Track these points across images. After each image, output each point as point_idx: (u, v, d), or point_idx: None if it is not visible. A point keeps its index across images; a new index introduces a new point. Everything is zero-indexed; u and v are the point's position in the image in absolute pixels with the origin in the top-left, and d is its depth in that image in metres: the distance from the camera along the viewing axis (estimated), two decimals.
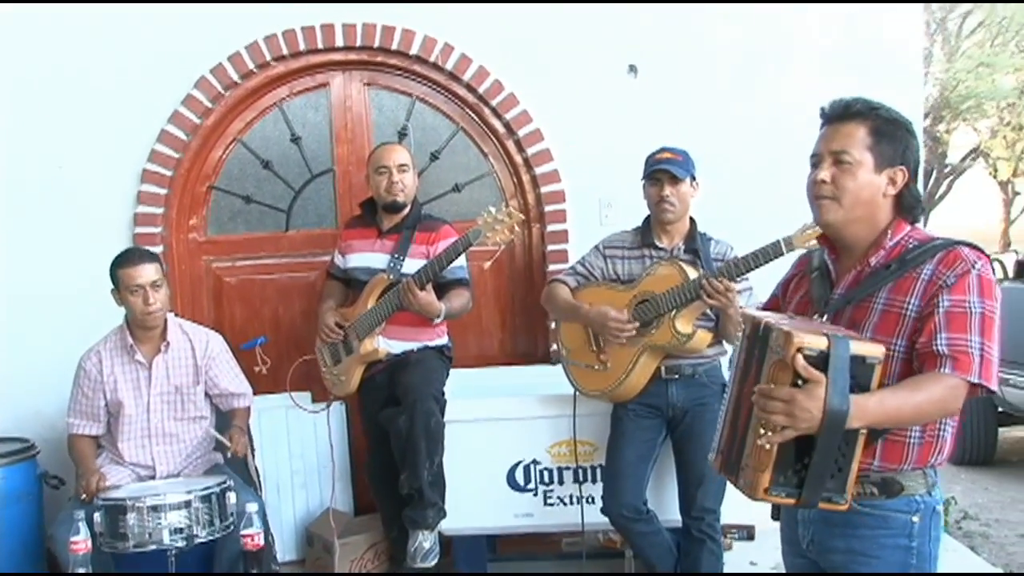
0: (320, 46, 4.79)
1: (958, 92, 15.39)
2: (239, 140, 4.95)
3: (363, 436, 4.52)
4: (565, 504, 4.09)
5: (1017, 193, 18.43)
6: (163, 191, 4.80)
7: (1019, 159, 17.22)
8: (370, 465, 4.39)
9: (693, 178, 3.79)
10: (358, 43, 4.79)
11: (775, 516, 2.49)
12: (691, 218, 3.86)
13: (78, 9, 4.73)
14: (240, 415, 4.07)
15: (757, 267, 3.47)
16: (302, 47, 4.79)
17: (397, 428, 3.95)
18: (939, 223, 15.65)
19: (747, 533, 4.72)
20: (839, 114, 2.26)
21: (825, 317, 2.28)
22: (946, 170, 17.11)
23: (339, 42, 4.79)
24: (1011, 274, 8.32)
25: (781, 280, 2.63)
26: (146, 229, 4.78)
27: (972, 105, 15.71)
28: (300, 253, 4.99)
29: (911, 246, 2.22)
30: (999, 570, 4.57)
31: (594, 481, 4.04)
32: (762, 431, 2.04)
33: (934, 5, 15.32)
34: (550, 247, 4.86)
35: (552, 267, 4.79)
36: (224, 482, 3.57)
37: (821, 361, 1.99)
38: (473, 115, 4.92)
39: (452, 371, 4.31)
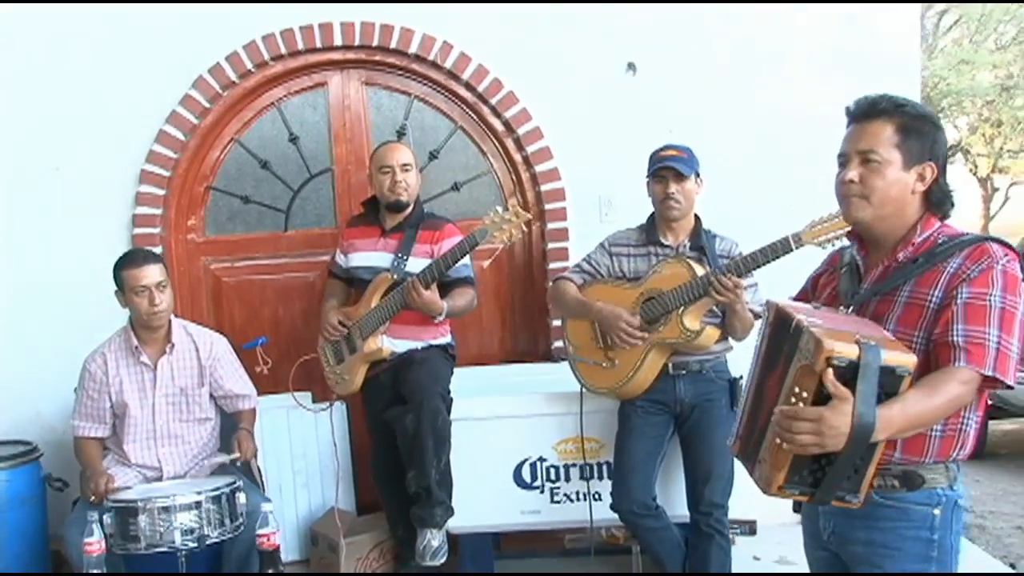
0: (318, 45, 4.79)
1: (938, 89, 15.50)
2: (237, 140, 4.94)
3: (366, 435, 4.51)
4: (572, 501, 4.09)
5: (996, 189, 18.58)
6: (161, 192, 4.78)
7: (998, 155, 17.37)
8: (375, 464, 4.38)
9: (697, 175, 3.80)
10: (356, 42, 4.78)
11: (796, 509, 2.51)
12: (696, 215, 3.88)
13: (76, 9, 4.71)
14: (246, 417, 4.06)
15: (766, 263, 3.49)
16: (300, 46, 4.78)
17: (404, 427, 3.95)
18: None
19: (749, 528, 4.72)
20: (865, 112, 2.26)
21: (851, 309, 2.29)
22: None
23: (337, 41, 4.78)
24: None
25: (811, 275, 2.64)
26: (145, 230, 4.76)
27: (952, 102, 15.84)
28: (299, 253, 4.98)
29: (940, 241, 2.23)
30: (1007, 568, 4.62)
31: (601, 478, 4.05)
32: (781, 441, 2.05)
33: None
34: (550, 245, 4.87)
35: (552, 265, 4.80)
36: (234, 483, 3.55)
37: (850, 370, 1.96)
38: (472, 114, 4.92)
39: (455, 369, 4.30)
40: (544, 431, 4.09)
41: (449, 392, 4.06)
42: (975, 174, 18.22)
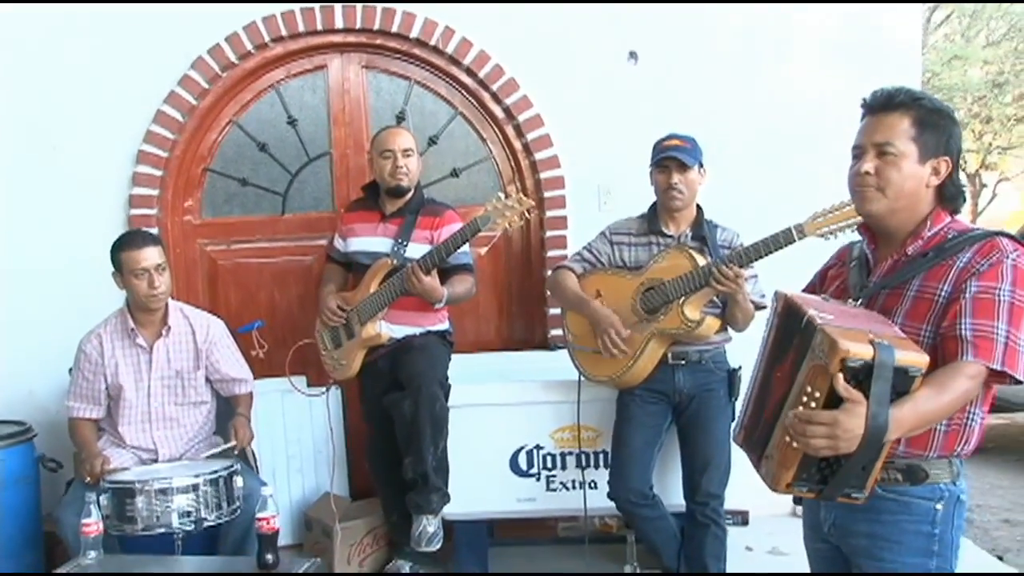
0: (319, 28, 4.75)
1: (929, 85, 15.50)
2: (235, 122, 4.90)
3: (360, 420, 4.50)
4: (568, 489, 4.10)
5: (984, 185, 18.65)
6: (159, 173, 4.75)
7: (987, 152, 17.42)
8: (371, 450, 4.38)
9: (701, 165, 3.79)
10: (357, 25, 4.75)
11: (797, 500, 2.52)
12: (698, 205, 3.87)
13: None
14: (243, 401, 4.05)
15: (768, 254, 3.48)
16: (301, 28, 4.74)
17: (402, 413, 3.94)
18: None
19: (742, 518, 4.76)
20: (882, 105, 2.25)
21: (860, 302, 2.29)
22: None
23: (338, 24, 4.75)
24: None
25: (820, 269, 2.63)
26: (141, 211, 4.73)
27: (943, 98, 15.86)
28: (296, 236, 4.96)
29: (950, 236, 2.22)
30: (994, 560, 4.64)
31: (597, 466, 4.06)
32: (790, 440, 2.04)
33: None
34: (549, 233, 4.86)
35: (551, 253, 4.80)
36: (231, 466, 3.54)
37: (864, 370, 1.95)
38: (472, 100, 4.90)
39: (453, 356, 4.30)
40: (541, 419, 4.10)
41: (447, 379, 4.06)
42: (964, 170, 18.25)
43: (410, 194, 4.19)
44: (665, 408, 3.87)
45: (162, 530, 3.35)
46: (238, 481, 3.52)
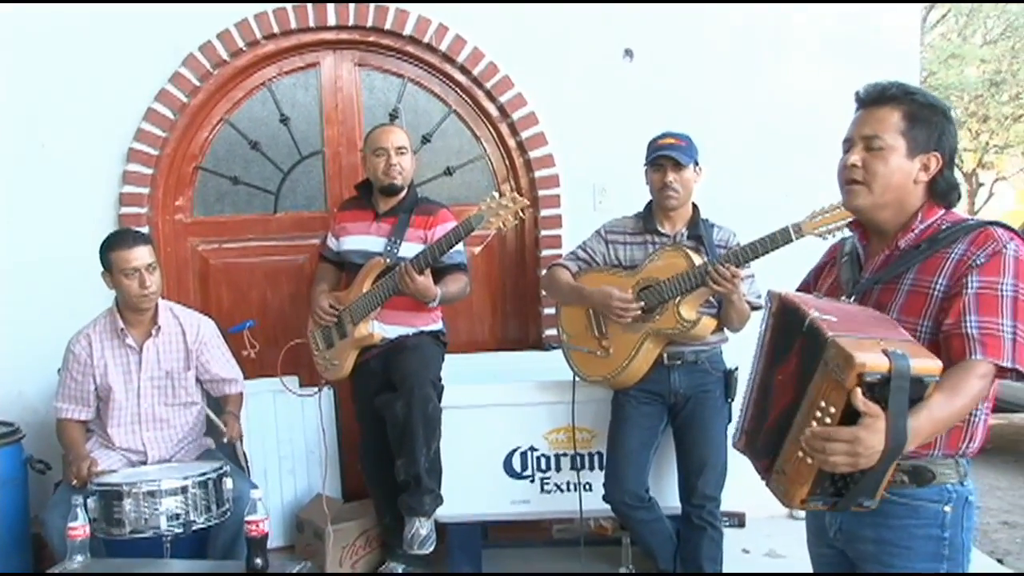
0: (311, 24, 4.70)
1: (926, 84, 15.48)
2: (227, 120, 4.86)
3: (354, 422, 4.44)
4: (562, 491, 4.06)
5: (981, 184, 18.64)
6: (149, 171, 4.70)
7: (984, 151, 17.40)
8: (363, 451, 4.32)
9: (696, 163, 3.75)
10: (350, 22, 4.71)
11: None
12: (694, 204, 3.83)
13: None
14: (233, 401, 4.01)
15: (765, 253, 3.44)
16: (293, 25, 4.69)
17: (394, 414, 3.89)
18: None
19: (738, 520, 4.72)
20: (873, 98, 2.22)
21: (853, 298, 2.25)
22: None
23: (331, 21, 4.70)
24: None
25: (813, 268, 2.59)
26: (131, 209, 4.68)
27: (941, 96, 15.84)
28: (289, 236, 4.91)
29: (943, 227, 2.18)
30: (994, 562, 4.61)
31: (592, 468, 4.02)
32: (804, 455, 1.99)
33: None
34: (543, 232, 4.82)
35: (545, 252, 4.76)
36: (220, 468, 3.49)
37: (879, 386, 1.89)
38: (466, 98, 4.86)
39: (446, 356, 4.25)
40: (535, 420, 4.05)
41: (440, 379, 4.01)
42: (960, 169, 18.23)
43: (403, 193, 4.15)
44: (661, 409, 3.82)
45: (150, 533, 3.30)
46: (227, 483, 3.47)
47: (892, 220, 2.23)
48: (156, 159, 4.70)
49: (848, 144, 2.25)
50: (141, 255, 3.70)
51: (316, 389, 4.41)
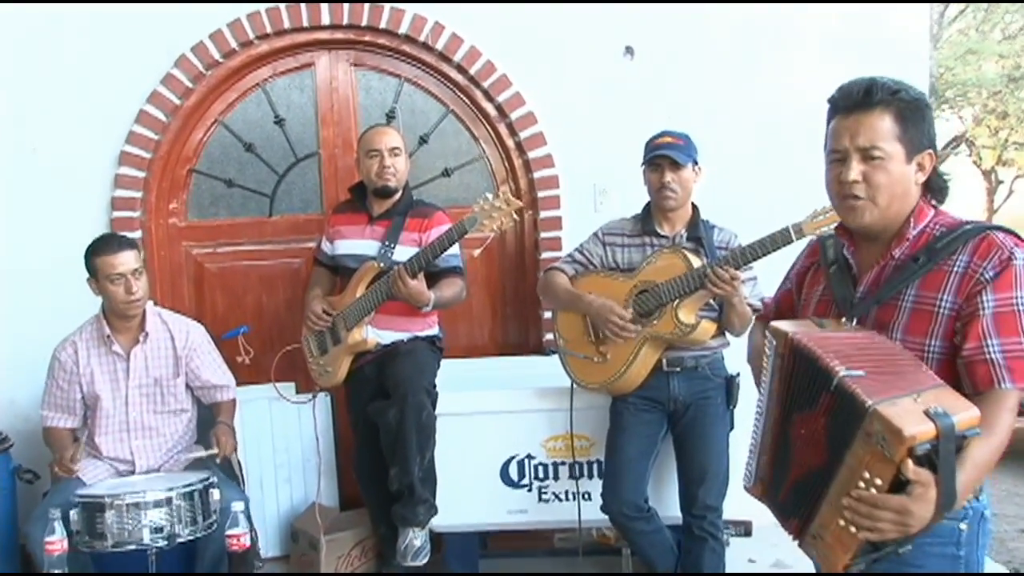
0: (305, 24, 4.62)
1: (943, 80, 15.31)
2: (221, 122, 4.77)
3: (350, 429, 4.36)
4: (561, 500, 3.96)
5: (1000, 182, 18.38)
6: (142, 174, 4.62)
7: (1003, 147, 17.17)
8: (357, 460, 4.23)
9: (695, 163, 3.65)
10: (345, 21, 4.61)
11: None
12: (693, 204, 3.73)
13: None
14: (225, 409, 3.92)
15: (764, 255, 3.33)
16: (286, 25, 4.60)
17: (387, 422, 3.80)
18: None
19: (744, 529, 4.60)
20: (858, 103, 2.05)
21: (855, 322, 2.13)
22: None
23: (325, 20, 4.61)
24: None
25: (792, 271, 2.47)
26: (124, 213, 4.60)
27: (957, 93, 15.65)
28: (284, 239, 4.82)
29: (938, 233, 2.07)
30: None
31: (591, 477, 3.92)
32: (846, 522, 1.89)
33: None
34: (543, 234, 4.71)
35: (545, 255, 4.65)
36: (207, 479, 3.41)
37: (927, 458, 1.80)
38: (464, 97, 4.76)
39: (443, 362, 4.15)
40: (533, 427, 3.95)
41: (435, 386, 3.91)
42: (979, 166, 18.03)
43: (398, 195, 4.06)
44: (660, 416, 3.72)
45: (133, 546, 3.22)
46: (214, 494, 3.39)
47: (888, 227, 2.12)
48: (149, 162, 4.62)
49: (837, 156, 2.09)
50: (126, 260, 3.62)
51: (310, 396, 4.32)
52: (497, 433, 3.95)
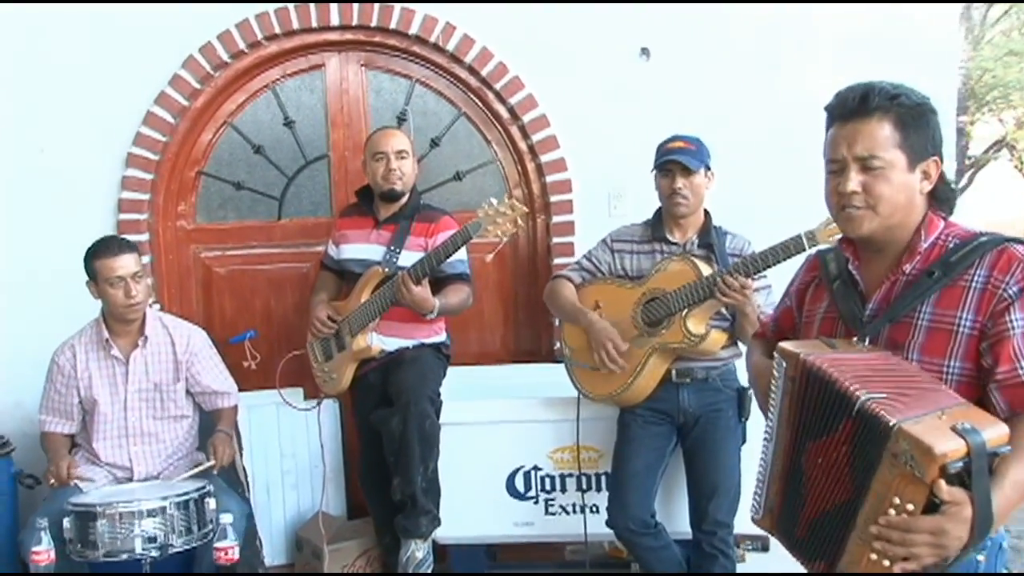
0: (315, 25, 4.54)
1: (983, 82, 15.00)
2: (229, 123, 4.71)
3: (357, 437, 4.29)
4: (568, 513, 3.86)
5: None
6: (149, 176, 4.57)
7: None
8: (362, 468, 4.17)
9: (708, 168, 3.54)
10: (354, 22, 4.53)
11: None
12: (705, 211, 3.62)
13: None
14: (225, 416, 3.86)
15: (776, 263, 3.23)
16: (296, 26, 4.53)
17: (390, 430, 3.73)
18: (960, 217, 15.20)
19: (761, 544, 4.45)
20: (854, 110, 1.97)
21: (867, 341, 2.01)
22: (968, 162, 16.72)
23: (334, 21, 4.53)
24: None
25: (791, 287, 2.36)
26: (131, 216, 4.55)
27: (999, 95, 15.32)
28: (293, 243, 4.75)
29: (952, 246, 1.96)
30: None
31: (599, 489, 3.82)
32: (881, 553, 1.78)
33: None
34: (555, 239, 4.61)
35: (557, 260, 4.55)
36: (203, 487, 3.35)
37: (959, 476, 1.71)
38: (476, 99, 4.67)
39: (452, 369, 4.09)
40: (539, 438, 3.85)
41: (439, 394, 3.84)
42: (1021, 171, 17.67)
43: (404, 199, 3.98)
44: (669, 429, 3.61)
45: (124, 556, 3.17)
46: (210, 503, 3.34)
47: (895, 240, 2.02)
48: (156, 164, 4.57)
49: (836, 166, 2.00)
50: (126, 263, 3.57)
51: (315, 403, 4.25)
52: (503, 443, 3.86)
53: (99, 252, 3.60)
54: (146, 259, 4.44)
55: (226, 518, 2.99)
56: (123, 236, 3.99)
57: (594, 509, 3.79)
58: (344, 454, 4.58)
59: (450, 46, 4.52)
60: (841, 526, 1.86)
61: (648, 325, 3.47)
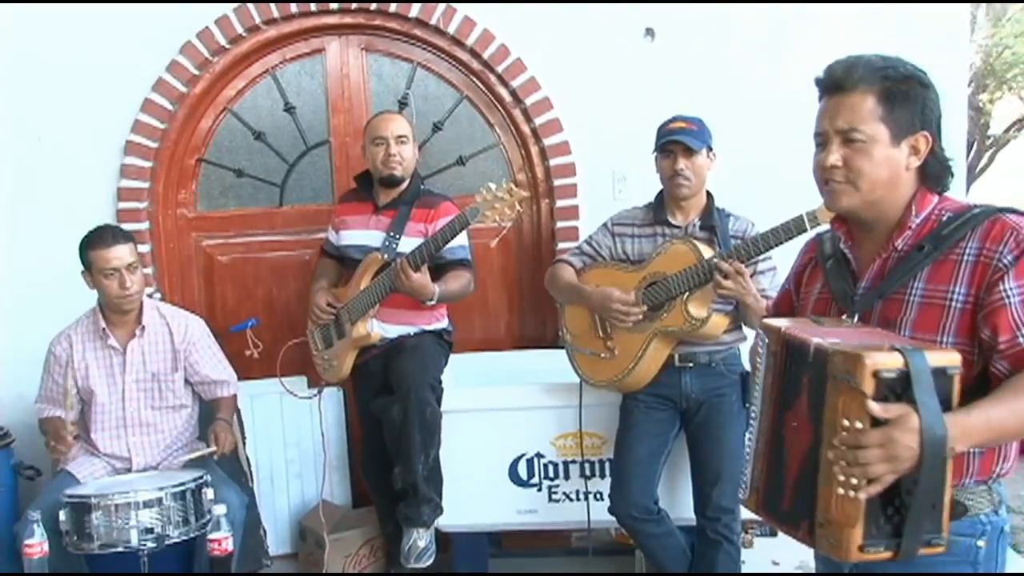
0: (314, 8, 4.48)
1: (1003, 59, 14.80)
2: (229, 110, 4.66)
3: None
4: (571, 500, 3.81)
5: None
6: (148, 164, 4.53)
7: None
8: (364, 457, 4.13)
9: (710, 148, 3.47)
10: (354, 5, 4.47)
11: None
12: (708, 192, 3.55)
13: None
14: (225, 405, 3.83)
15: (778, 244, 3.17)
16: (294, 10, 4.47)
17: (390, 418, 3.69)
18: (981, 197, 15.03)
19: (769, 529, 4.41)
20: (838, 83, 1.93)
21: (856, 317, 1.97)
22: (988, 141, 16.52)
23: (334, 4, 4.48)
24: None
25: (791, 272, 2.31)
26: (130, 204, 4.52)
27: (1019, 72, 15.12)
28: (295, 230, 4.71)
29: (944, 219, 1.91)
30: None
31: (602, 476, 3.77)
32: (844, 482, 1.73)
33: None
34: (559, 224, 4.55)
35: (562, 245, 4.50)
36: (200, 477, 3.32)
37: (899, 383, 1.68)
38: (478, 83, 4.60)
39: (456, 355, 4.06)
40: (542, 425, 3.80)
41: (440, 382, 3.79)
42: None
43: (404, 184, 3.93)
44: (672, 415, 3.55)
45: (120, 548, 3.15)
46: (208, 493, 3.31)
47: (883, 216, 1.97)
48: (155, 152, 4.53)
49: (821, 139, 1.97)
50: (121, 254, 3.54)
51: (316, 391, 4.21)
52: (505, 430, 3.81)
53: (93, 242, 3.56)
54: (146, 248, 4.42)
55: (219, 509, 2.96)
56: (119, 225, 3.94)
57: (598, 496, 3.74)
58: (348, 443, 4.56)
59: (451, 29, 4.46)
60: (812, 473, 1.82)
61: (649, 309, 3.41)
